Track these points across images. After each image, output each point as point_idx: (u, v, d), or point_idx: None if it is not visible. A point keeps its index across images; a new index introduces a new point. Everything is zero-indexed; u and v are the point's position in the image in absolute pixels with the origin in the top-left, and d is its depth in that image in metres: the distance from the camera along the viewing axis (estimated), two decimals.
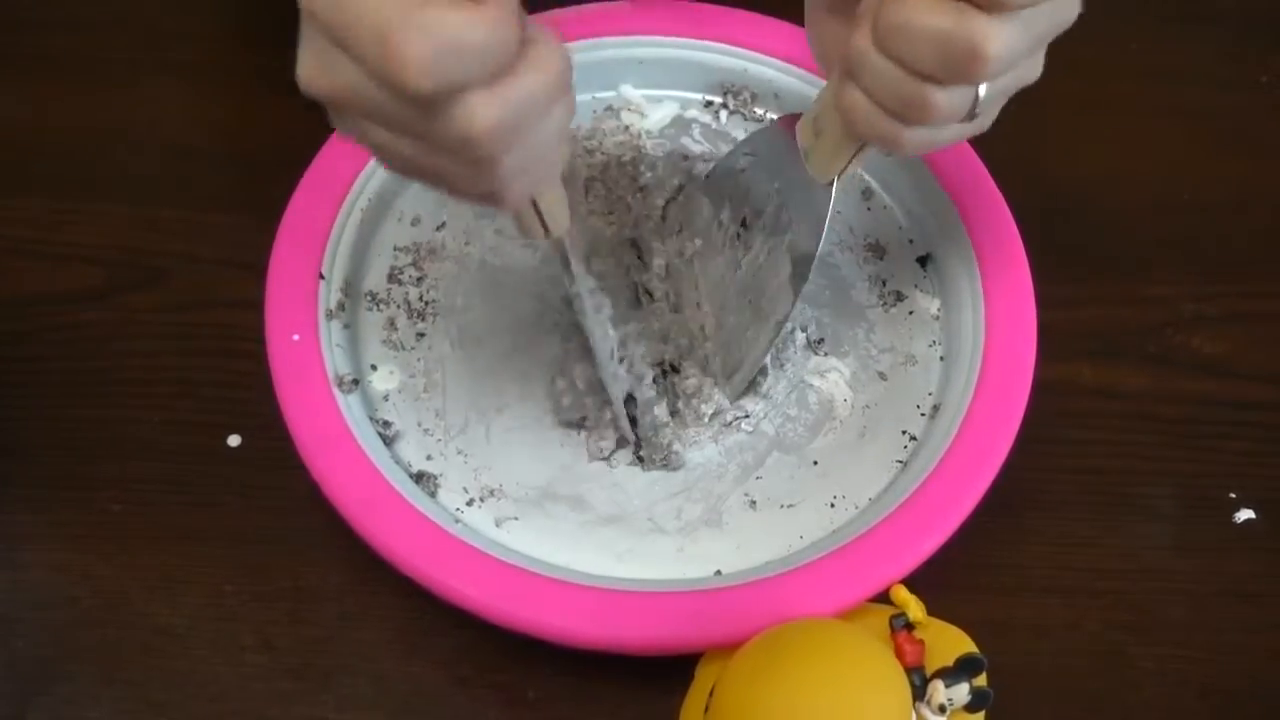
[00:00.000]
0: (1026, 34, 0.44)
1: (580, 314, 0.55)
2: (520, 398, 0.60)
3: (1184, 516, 0.59)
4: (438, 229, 0.65)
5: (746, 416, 0.59)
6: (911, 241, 0.65)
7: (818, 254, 0.54)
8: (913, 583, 0.52)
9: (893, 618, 0.50)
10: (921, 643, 0.49)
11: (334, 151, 0.63)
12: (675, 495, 0.57)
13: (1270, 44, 0.75)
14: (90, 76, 0.71)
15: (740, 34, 0.68)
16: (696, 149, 0.67)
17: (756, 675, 0.45)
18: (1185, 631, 0.56)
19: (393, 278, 0.63)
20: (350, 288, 0.61)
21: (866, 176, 0.67)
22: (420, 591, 0.53)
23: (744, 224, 0.57)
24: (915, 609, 0.51)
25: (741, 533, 0.56)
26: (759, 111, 0.68)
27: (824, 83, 0.53)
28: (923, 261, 0.64)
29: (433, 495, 0.56)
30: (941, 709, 0.47)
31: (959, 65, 0.43)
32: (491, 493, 0.57)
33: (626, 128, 0.68)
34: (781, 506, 0.57)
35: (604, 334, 0.56)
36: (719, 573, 0.55)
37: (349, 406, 0.56)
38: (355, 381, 0.58)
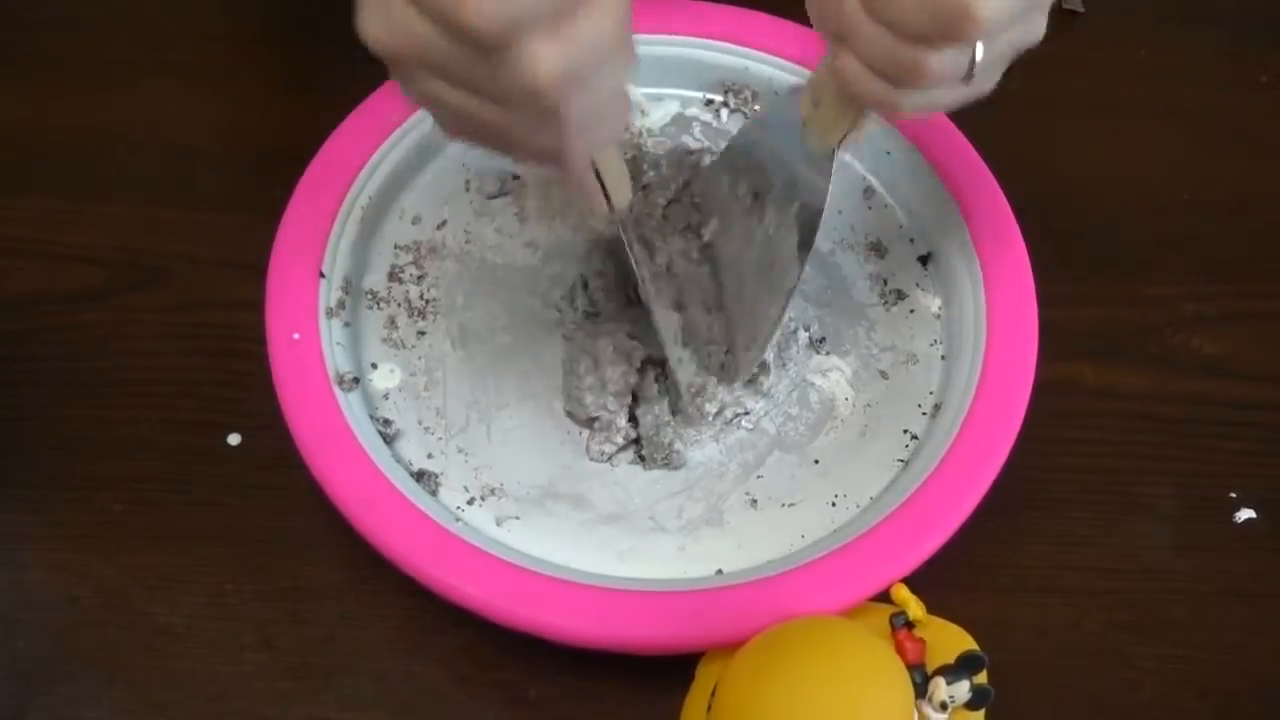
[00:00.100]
0: None
1: (646, 298, 0.55)
2: (521, 396, 0.59)
3: (1184, 516, 0.59)
4: (438, 227, 0.65)
5: (747, 414, 0.59)
6: (913, 240, 0.65)
7: (821, 220, 0.54)
8: (913, 582, 0.52)
9: (893, 616, 0.50)
10: (922, 641, 0.49)
11: (334, 151, 0.63)
12: (676, 494, 0.57)
13: (1270, 44, 0.75)
14: (90, 76, 0.71)
15: (741, 32, 0.68)
16: (697, 147, 0.67)
17: (758, 674, 0.45)
18: (1185, 631, 0.56)
19: (393, 276, 0.63)
20: (351, 286, 0.61)
21: (868, 175, 0.67)
22: (421, 590, 0.53)
23: (756, 196, 0.57)
24: (915, 608, 0.51)
25: (743, 532, 0.56)
26: (759, 110, 0.69)
27: None
28: (924, 260, 0.64)
29: (433, 494, 0.56)
30: (943, 706, 0.47)
31: (949, 26, 0.43)
32: (492, 491, 0.57)
33: (627, 127, 0.68)
34: (783, 505, 0.57)
35: (667, 320, 0.55)
36: (720, 572, 0.55)
37: (349, 405, 0.56)
38: (356, 380, 0.58)
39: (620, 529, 0.56)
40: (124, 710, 0.53)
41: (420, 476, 0.57)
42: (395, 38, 0.40)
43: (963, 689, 0.47)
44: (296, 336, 0.57)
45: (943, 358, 0.61)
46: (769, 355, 0.59)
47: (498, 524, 0.56)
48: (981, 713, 0.49)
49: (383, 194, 0.63)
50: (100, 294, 0.63)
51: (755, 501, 0.57)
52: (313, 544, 0.57)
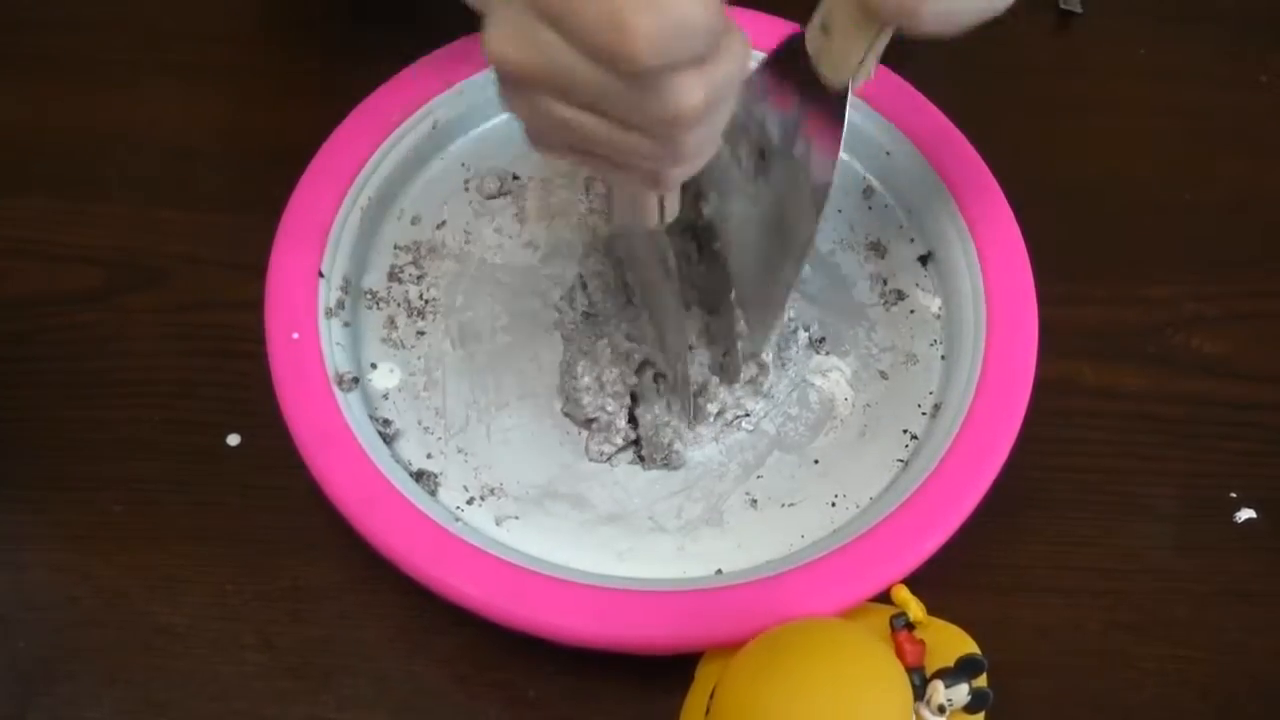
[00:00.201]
0: None
1: (659, 307, 0.56)
2: (520, 396, 0.59)
3: (1185, 516, 0.59)
4: (438, 228, 0.65)
5: (747, 415, 0.59)
6: (913, 240, 0.65)
7: (838, 163, 0.53)
8: (913, 582, 0.52)
9: (893, 617, 0.50)
10: (922, 643, 0.49)
11: (334, 151, 0.63)
12: (676, 494, 0.57)
13: (1270, 44, 0.75)
14: (90, 76, 0.71)
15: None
16: None
17: (758, 675, 0.45)
18: (1186, 631, 0.56)
19: (393, 276, 0.63)
20: (350, 286, 0.61)
21: (868, 175, 0.67)
22: (420, 590, 0.53)
23: (761, 156, 0.57)
24: (916, 609, 0.51)
25: (742, 532, 0.56)
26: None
27: None
28: (924, 260, 0.64)
29: (433, 494, 0.56)
30: (941, 709, 0.47)
31: None
32: (492, 491, 0.57)
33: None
34: (782, 505, 0.57)
35: (679, 328, 0.56)
36: (720, 572, 0.55)
37: (349, 405, 0.56)
38: (355, 380, 0.58)
39: (620, 529, 0.56)
40: (124, 710, 0.53)
41: (420, 476, 0.57)
42: (528, 58, 0.40)
43: (961, 692, 0.47)
44: (296, 336, 0.57)
45: (943, 358, 0.61)
46: (768, 356, 0.59)
47: (497, 524, 0.56)
48: (980, 715, 0.49)
49: (382, 194, 0.63)
50: (100, 294, 0.63)
51: (755, 501, 0.57)
52: (313, 544, 0.57)
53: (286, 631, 0.55)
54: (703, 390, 0.58)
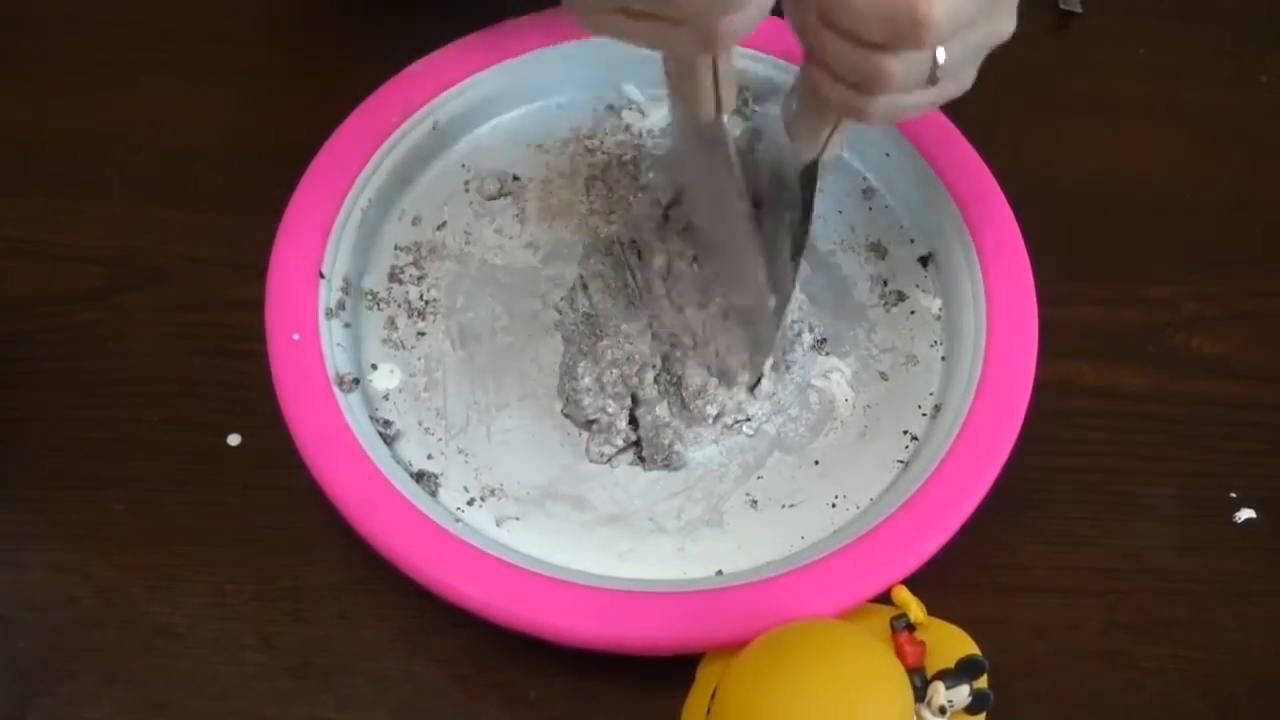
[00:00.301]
0: None
1: (728, 228, 0.56)
2: (521, 397, 0.60)
3: (1185, 516, 0.59)
4: (438, 228, 0.65)
5: (749, 420, 0.59)
6: (913, 241, 0.65)
7: (811, 229, 0.54)
8: (914, 582, 0.52)
9: (894, 618, 0.50)
10: (922, 644, 0.49)
11: (334, 151, 0.63)
12: (676, 495, 0.57)
13: (1270, 44, 0.75)
14: (90, 76, 0.71)
15: None
16: None
17: (759, 676, 0.45)
18: (1186, 631, 0.56)
19: (393, 277, 0.63)
20: (350, 287, 0.61)
21: (868, 176, 0.67)
22: (420, 591, 0.53)
23: (756, 204, 0.57)
24: (916, 610, 0.51)
25: (743, 533, 0.56)
26: (758, 110, 0.68)
27: None
28: (924, 261, 0.64)
29: (433, 495, 0.56)
30: (941, 711, 0.47)
31: (903, 32, 0.43)
32: (492, 492, 0.57)
33: (627, 127, 0.68)
34: (783, 506, 0.57)
35: (753, 248, 0.56)
36: (720, 573, 0.55)
37: (349, 406, 0.56)
38: (355, 381, 0.58)
39: (620, 530, 0.56)
40: (124, 710, 0.53)
41: (420, 477, 0.57)
42: None
43: (962, 694, 0.47)
44: (296, 337, 0.57)
45: (943, 359, 0.61)
46: (765, 364, 0.59)
47: (497, 525, 0.56)
48: (981, 717, 0.49)
49: (383, 195, 0.63)
50: (100, 294, 0.63)
51: (755, 502, 0.57)
52: (313, 544, 0.57)
53: (286, 631, 0.55)
54: (702, 391, 0.58)
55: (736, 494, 0.57)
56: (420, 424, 0.59)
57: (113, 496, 0.58)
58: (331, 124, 0.63)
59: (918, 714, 0.47)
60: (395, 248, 0.64)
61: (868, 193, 0.66)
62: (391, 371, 0.60)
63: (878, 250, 0.65)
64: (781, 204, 0.56)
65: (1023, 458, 0.56)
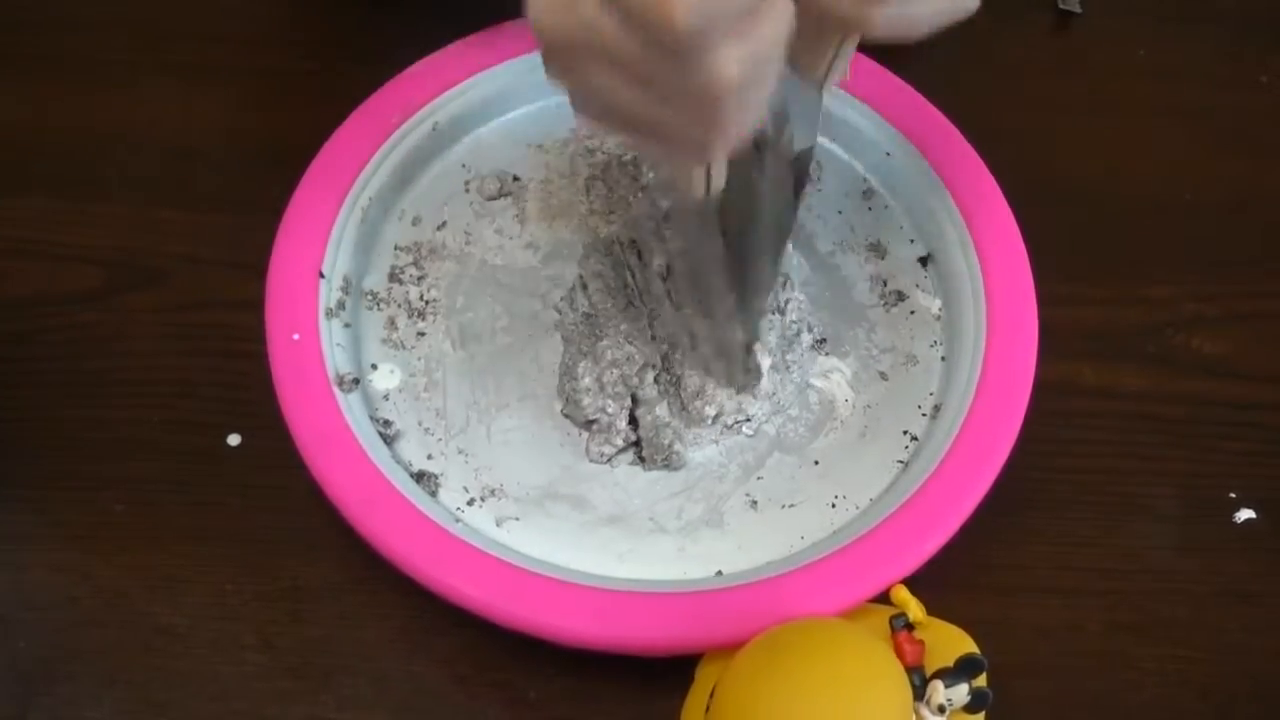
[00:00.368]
0: None
1: (706, 275, 0.55)
2: (521, 397, 0.60)
3: (1185, 516, 0.59)
4: (438, 228, 0.65)
5: (748, 420, 0.59)
6: (913, 241, 0.65)
7: (813, 158, 0.53)
8: (913, 582, 0.52)
9: (893, 618, 0.50)
10: (921, 643, 0.49)
11: (334, 151, 0.63)
12: (676, 495, 0.57)
13: (1270, 44, 0.75)
14: (90, 76, 0.71)
15: None
16: None
17: (757, 675, 0.45)
18: (1186, 631, 0.56)
19: (393, 277, 0.63)
20: (350, 287, 0.61)
21: (868, 176, 0.67)
22: (420, 591, 0.53)
23: (757, 147, 0.57)
24: (915, 609, 0.51)
25: (742, 533, 0.56)
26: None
27: None
28: (924, 261, 0.64)
29: (433, 495, 0.56)
30: (941, 709, 0.47)
31: None
32: (492, 492, 0.57)
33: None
34: (782, 506, 0.57)
35: (726, 293, 0.55)
36: (720, 573, 0.55)
37: (349, 406, 0.56)
38: (355, 381, 0.58)
39: (620, 530, 0.56)
40: (124, 710, 0.53)
41: (420, 477, 0.57)
42: (570, 28, 0.40)
43: (961, 692, 0.47)
44: (296, 337, 0.57)
45: (943, 359, 0.61)
46: (765, 361, 0.59)
47: (497, 525, 0.56)
48: (980, 715, 0.49)
49: (383, 195, 0.63)
50: (100, 294, 0.63)
51: (755, 503, 0.57)
52: (313, 544, 0.57)
53: (286, 631, 0.55)
54: (699, 393, 0.58)
55: (736, 494, 0.57)
56: (420, 424, 0.59)
57: (113, 497, 0.58)
58: (331, 124, 0.63)
59: (917, 712, 0.47)
60: (395, 248, 0.64)
61: (867, 193, 0.66)
62: (391, 371, 0.60)
63: (877, 250, 0.65)
64: (783, 143, 0.55)
65: (1023, 458, 0.56)
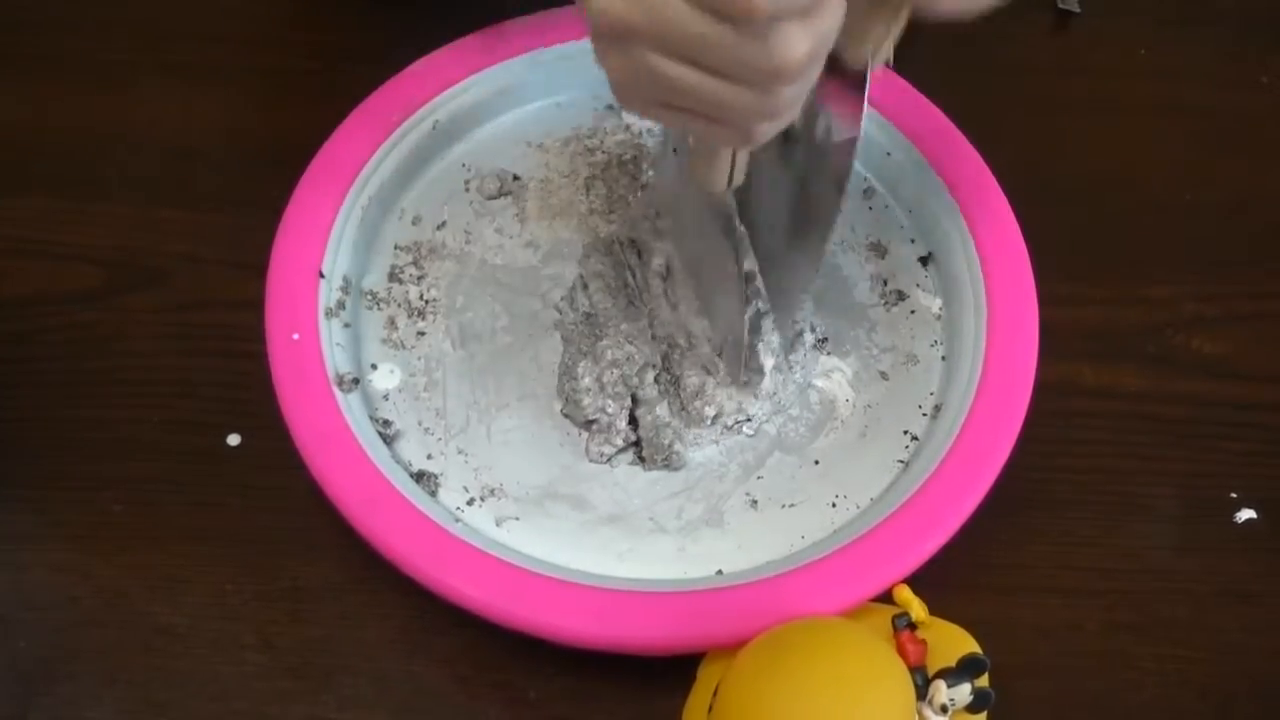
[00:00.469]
0: None
1: (716, 274, 0.55)
2: (521, 397, 0.59)
3: (1185, 516, 0.59)
4: (438, 228, 0.65)
5: (749, 420, 0.59)
6: (913, 241, 0.65)
7: (859, 142, 0.53)
8: (914, 582, 0.52)
9: (895, 617, 0.50)
10: (924, 642, 0.49)
11: (334, 151, 0.63)
12: (676, 495, 0.57)
13: (1270, 44, 0.75)
14: (90, 76, 0.71)
15: None
16: None
17: (760, 674, 0.45)
18: (1186, 631, 0.56)
19: (393, 277, 0.63)
20: (350, 287, 0.61)
21: (868, 176, 0.67)
22: (421, 591, 0.53)
23: (786, 137, 0.57)
24: (918, 609, 0.51)
25: (743, 532, 0.56)
26: None
27: None
28: (924, 261, 0.64)
29: (433, 494, 0.56)
30: (943, 709, 0.47)
31: None
32: (492, 492, 0.57)
33: (628, 126, 0.68)
34: (783, 506, 0.57)
35: (738, 293, 0.56)
36: (720, 572, 0.55)
37: (349, 406, 0.56)
38: (355, 381, 0.58)
39: (620, 530, 0.56)
40: (124, 710, 0.53)
41: (420, 477, 0.57)
42: (631, 9, 0.40)
43: (964, 692, 0.47)
44: (296, 337, 0.57)
45: (943, 359, 0.61)
46: (768, 362, 0.59)
47: (497, 524, 0.56)
48: (983, 715, 0.49)
49: (383, 194, 0.63)
50: (100, 294, 0.63)
51: (755, 502, 0.57)
52: (313, 544, 0.57)
53: (286, 631, 0.55)
54: (699, 393, 0.58)
55: (737, 494, 0.57)
56: (420, 424, 0.59)
57: (112, 497, 0.58)
58: (331, 124, 0.63)
59: (919, 712, 0.47)
60: (395, 247, 0.64)
61: (868, 192, 0.66)
62: (391, 371, 0.60)
63: (878, 250, 0.65)
64: (818, 131, 0.55)
65: (1023, 458, 0.56)
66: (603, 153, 0.67)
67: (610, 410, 0.57)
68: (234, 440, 0.59)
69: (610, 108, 0.68)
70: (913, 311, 0.63)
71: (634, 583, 0.54)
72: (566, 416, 0.59)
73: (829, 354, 0.61)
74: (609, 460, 0.58)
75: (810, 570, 0.53)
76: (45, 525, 0.57)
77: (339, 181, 0.62)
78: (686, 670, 0.52)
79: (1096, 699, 0.55)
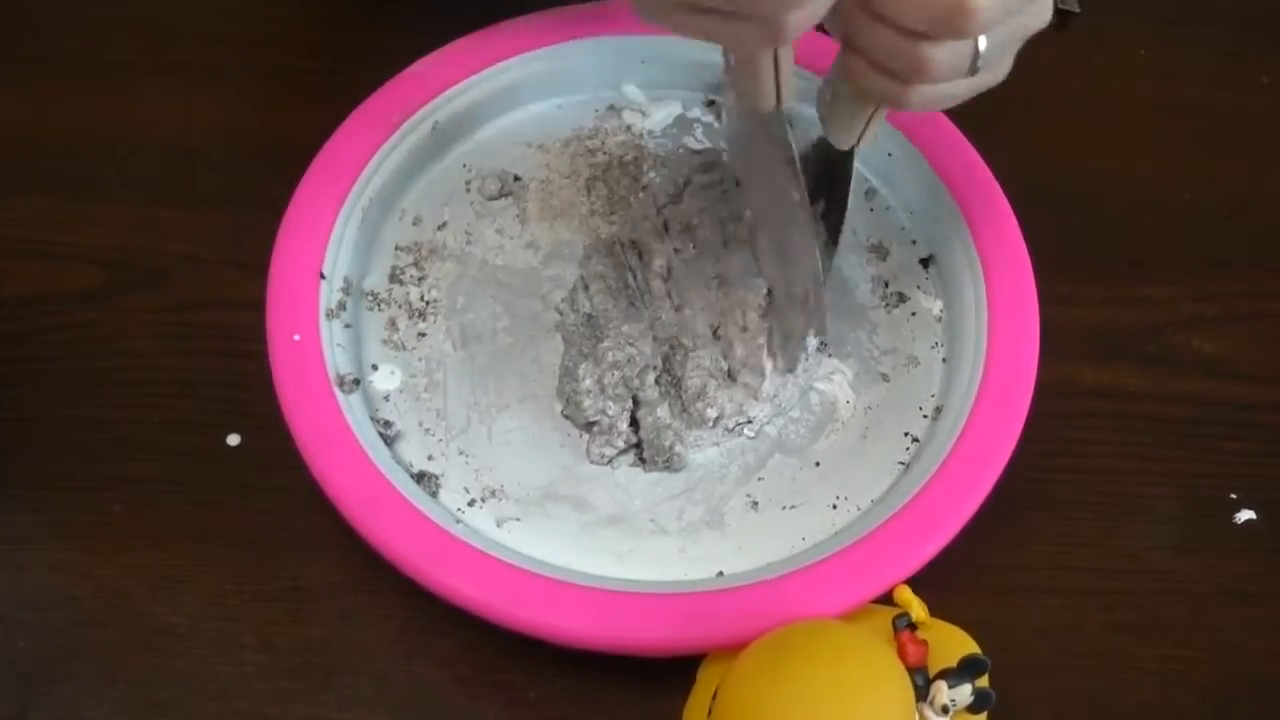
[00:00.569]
0: None
1: (780, 215, 0.56)
2: (521, 398, 0.59)
3: (1185, 517, 0.59)
4: (439, 229, 0.65)
5: (749, 421, 0.59)
6: (914, 242, 0.65)
7: (845, 222, 0.54)
8: (914, 583, 0.52)
9: (896, 618, 0.50)
10: (925, 643, 0.49)
11: (335, 151, 0.63)
12: (677, 496, 0.57)
13: (1270, 44, 0.75)
14: (90, 76, 0.71)
15: None
16: (699, 148, 0.67)
17: (761, 676, 0.45)
18: (1186, 632, 0.56)
19: (394, 277, 0.63)
20: (351, 287, 0.61)
21: (869, 176, 0.67)
22: (421, 591, 0.53)
23: (788, 160, 0.57)
24: (919, 610, 0.51)
25: (743, 534, 0.56)
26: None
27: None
28: (925, 263, 0.64)
29: (434, 495, 0.56)
30: (944, 710, 0.47)
31: (946, 21, 0.43)
32: (493, 493, 0.57)
33: (629, 127, 0.68)
34: (783, 508, 0.57)
35: (808, 235, 0.55)
36: (721, 574, 0.55)
37: (350, 406, 0.56)
38: (356, 381, 0.58)
39: (621, 531, 0.56)
40: (124, 710, 0.53)
41: (421, 478, 0.57)
42: None
43: (964, 693, 0.47)
44: (297, 338, 0.57)
45: (944, 360, 0.61)
46: (767, 364, 0.59)
47: (498, 525, 0.56)
48: (983, 716, 0.49)
49: (383, 195, 0.63)
50: (100, 294, 0.63)
51: (756, 504, 0.57)
52: (313, 544, 0.57)
53: (286, 631, 0.55)
54: (700, 395, 0.58)
55: (737, 495, 0.57)
56: (421, 425, 0.59)
57: (112, 497, 0.58)
58: (332, 124, 0.63)
59: (920, 713, 0.47)
60: (396, 248, 0.64)
61: (869, 194, 0.66)
62: (392, 372, 0.60)
63: (879, 252, 0.65)
64: (816, 192, 0.56)
65: (1023, 459, 0.56)
66: (604, 154, 0.67)
67: (611, 412, 0.57)
68: (234, 440, 0.59)
69: (611, 108, 0.68)
70: (913, 313, 0.63)
71: (634, 584, 0.54)
72: (567, 418, 0.59)
73: (830, 356, 0.61)
74: (610, 462, 0.58)
75: (811, 572, 0.53)
76: (45, 525, 0.57)
77: (340, 182, 0.62)
78: (686, 672, 0.52)
79: (1096, 699, 0.55)
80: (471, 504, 0.57)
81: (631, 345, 0.58)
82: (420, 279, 0.63)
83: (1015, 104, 0.70)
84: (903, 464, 0.58)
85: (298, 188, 0.61)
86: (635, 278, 0.61)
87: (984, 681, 0.48)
